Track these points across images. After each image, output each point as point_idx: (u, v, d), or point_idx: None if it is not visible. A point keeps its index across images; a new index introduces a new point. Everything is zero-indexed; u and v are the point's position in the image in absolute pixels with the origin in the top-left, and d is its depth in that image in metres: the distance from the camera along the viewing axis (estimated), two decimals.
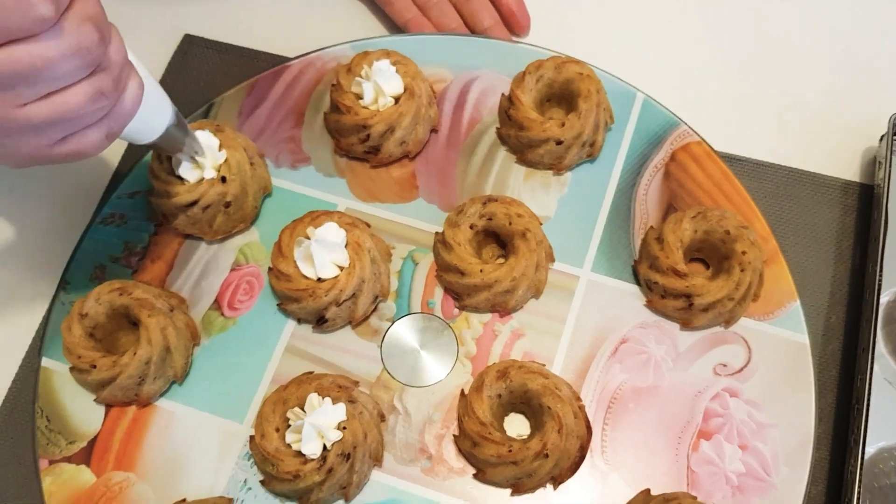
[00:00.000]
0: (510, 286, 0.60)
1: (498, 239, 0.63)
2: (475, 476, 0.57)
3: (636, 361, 0.61)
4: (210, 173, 0.62)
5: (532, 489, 0.56)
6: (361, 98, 0.65)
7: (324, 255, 0.59)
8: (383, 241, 0.64)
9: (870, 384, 0.57)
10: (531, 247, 0.60)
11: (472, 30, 0.74)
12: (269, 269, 0.62)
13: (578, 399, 0.58)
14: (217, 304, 0.63)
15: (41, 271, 0.66)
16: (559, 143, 0.64)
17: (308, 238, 0.59)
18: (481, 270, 0.59)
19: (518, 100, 0.65)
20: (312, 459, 0.54)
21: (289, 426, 0.55)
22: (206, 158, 0.61)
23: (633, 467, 0.57)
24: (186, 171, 0.61)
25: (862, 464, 0.55)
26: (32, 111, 0.41)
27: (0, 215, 0.69)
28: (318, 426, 0.53)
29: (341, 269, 0.60)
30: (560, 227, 0.65)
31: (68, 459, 0.58)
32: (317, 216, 0.61)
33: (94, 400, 0.59)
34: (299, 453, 0.54)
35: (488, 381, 0.56)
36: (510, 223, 0.61)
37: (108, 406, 0.60)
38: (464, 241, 0.61)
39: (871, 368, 0.57)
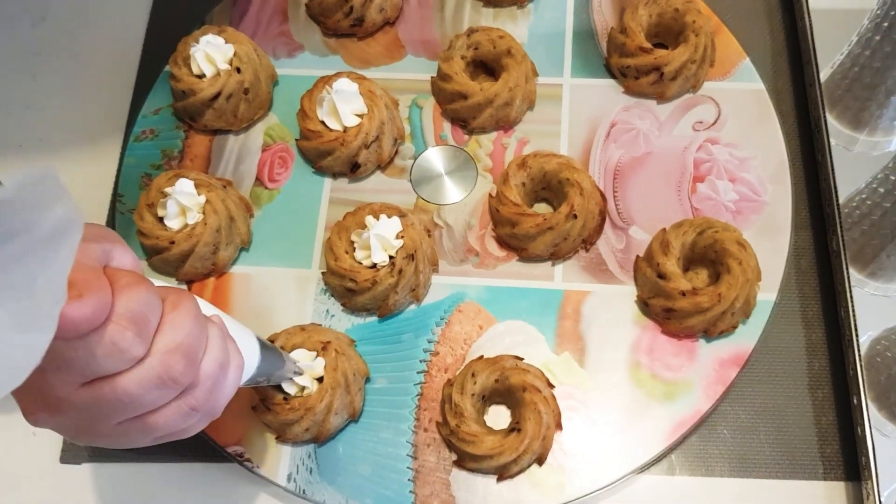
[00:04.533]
0: (508, 98, 0.69)
1: (486, 68, 0.72)
2: (519, 257, 0.66)
3: (627, 138, 0.70)
4: (224, 66, 0.69)
5: (568, 253, 0.66)
6: None
7: (344, 106, 0.67)
8: (388, 92, 0.72)
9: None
10: (518, 60, 0.69)
11: None
12: (297, 139, 0.70)
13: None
14: (259, 181, 0.71)
15: (89, 195, 0.73)
16: None
17: (327, 96, 0.67)
18: (481, 89, 0.68)
19: None
20: (384, 266, 0.62)
21: (354, 249, 0.64)
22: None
23: (646, 219, 0.67)
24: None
25: (835, 179, 0.65)
26: (121, 428, 0.41)
27: (37, 157, 0.76)
28: (382, 236, 0.62)
29: (361, 117, 0.68)
30: (535, 48, 0.74)
31: None
32: (328, 78, 0.69)
33: (177, 279, 0.67)
34: (371, 266, 0.63)
35: (511, 172, 0.66)
36: (494, 46, 0.70)
37: (189, 283, 0.67)
38: (459, 70, 0.70)
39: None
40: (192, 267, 0.66)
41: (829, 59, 0.71)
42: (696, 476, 0.60)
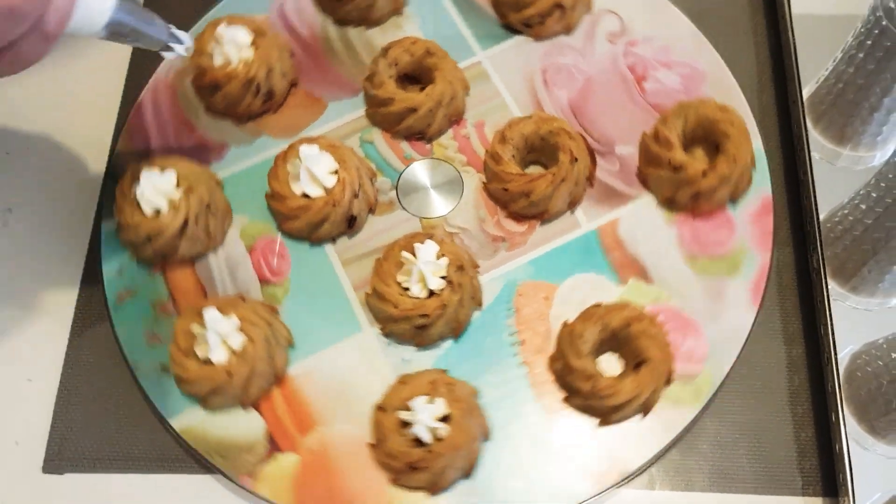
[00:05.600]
0: (452, 92, 0.70)
1: (410, 78, 0.73)
2: (541, 221, 0.68)
3: (563, 77, 0.74)
4: (175, 194, 0.65)
5: (580, 197, 0.69)
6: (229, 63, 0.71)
7: (319, 169, 0.65)
8: (338, 140, 0.71)
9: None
10: (440, 55, 0.71)
11: None
12: (281, 226, 0.68)
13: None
14: (264, 282, 0.68)
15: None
16: None
17: (297, 172, 0.66)
18: (427, 95, 0.69)
19: None
20: (443, 288, 0.62)
21: (406, 289, 0.63)
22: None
23: (621, 133, 0.71)
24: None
25: (815, 197, 0.67)
26: None
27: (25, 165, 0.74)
28: (429, 261, 0.62)
29: (336, 173, 0.67)
30: (436, 41, 0.75)
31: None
32: (285, 153, 0.67)
33: (242, 405, 0.63)
34: (429, 295, 0.62)
35: (498, 150, 0.67)
36: (412, 55, 0.71)
37: (255, 404, 0.63)
38: (395, 89, 0.70)
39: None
40: (258, 387, 0.62)
41: (814, 74, 0.72)
42: (676, 490, 0.60)
